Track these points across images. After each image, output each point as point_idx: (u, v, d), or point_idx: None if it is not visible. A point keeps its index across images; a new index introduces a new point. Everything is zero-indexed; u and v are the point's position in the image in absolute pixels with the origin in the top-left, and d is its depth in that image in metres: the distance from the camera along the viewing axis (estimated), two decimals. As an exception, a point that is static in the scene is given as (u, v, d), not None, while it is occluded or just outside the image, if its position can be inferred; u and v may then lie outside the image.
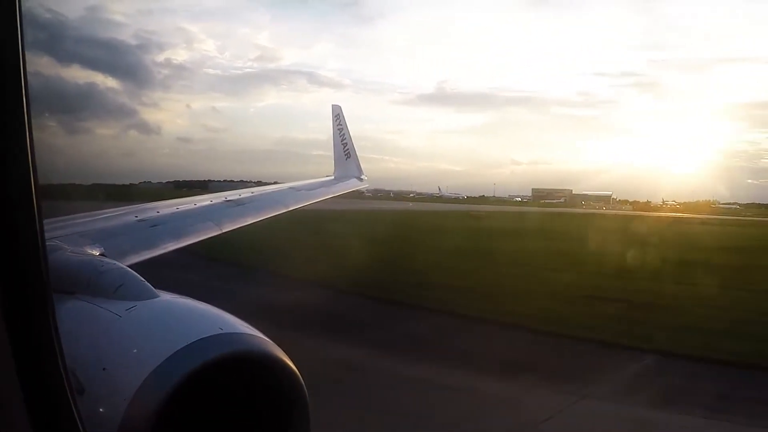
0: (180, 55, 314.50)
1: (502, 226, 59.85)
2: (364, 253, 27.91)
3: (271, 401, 2.48)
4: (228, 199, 6.81)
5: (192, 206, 6.13)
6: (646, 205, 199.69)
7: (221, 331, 2.43)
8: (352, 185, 12.03)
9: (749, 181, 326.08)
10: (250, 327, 2.58)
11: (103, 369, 2.36)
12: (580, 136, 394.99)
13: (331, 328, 16.54)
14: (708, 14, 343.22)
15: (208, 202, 6.50)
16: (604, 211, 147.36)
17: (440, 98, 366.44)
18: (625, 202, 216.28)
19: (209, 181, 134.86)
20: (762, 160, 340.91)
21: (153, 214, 5.47)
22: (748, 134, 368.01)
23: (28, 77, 1.73)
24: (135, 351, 2.42)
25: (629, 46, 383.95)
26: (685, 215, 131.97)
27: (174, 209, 5.82)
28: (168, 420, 2.18)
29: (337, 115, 13.77)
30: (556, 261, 31.45)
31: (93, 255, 3.68)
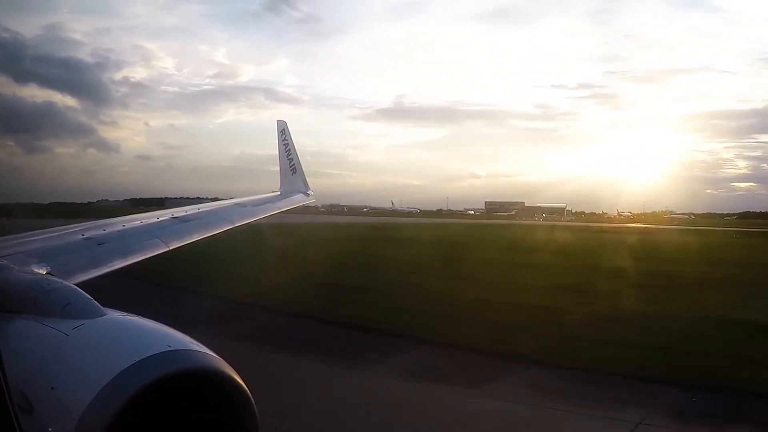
0: (138, 73, 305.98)
1: (372, 236, 60.63)
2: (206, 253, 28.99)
3: (221, 416, 2.53)
4: (174, 216, 6.74)
5: (139, 224, 6.07)
6: (599, 216, 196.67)
7: (169, 348, 2.47)
8: (297, 200, 12.01)
9: (708, 191, 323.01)
10: (198, 344, 2.62)
11: (52, 388, 2.37)
12: (539, 148, 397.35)
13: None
14: (664, 26, 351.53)
15: (155, 220, 6.43)
16: (534, 222, 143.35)
17: (399, 113, 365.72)
18: (581, 213, 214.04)
19: (166, 198, 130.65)
20: (720, 170, 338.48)
21: (100, 231, 5.40)
22: (707, 144, 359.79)
23: None
24: (83, 369, 2.43)
25: (586, 58, 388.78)
26: (605, 225, 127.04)
27: (121, 227, 5.77)
28: None
29: (282, 131, 13.66)
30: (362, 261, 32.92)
31: (40, 274, 3.65)
